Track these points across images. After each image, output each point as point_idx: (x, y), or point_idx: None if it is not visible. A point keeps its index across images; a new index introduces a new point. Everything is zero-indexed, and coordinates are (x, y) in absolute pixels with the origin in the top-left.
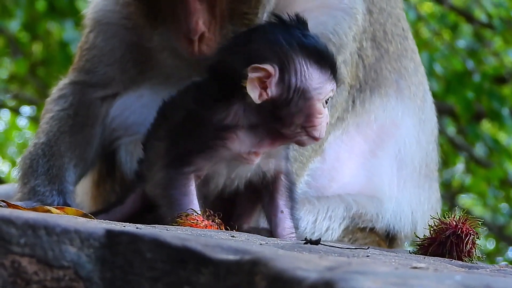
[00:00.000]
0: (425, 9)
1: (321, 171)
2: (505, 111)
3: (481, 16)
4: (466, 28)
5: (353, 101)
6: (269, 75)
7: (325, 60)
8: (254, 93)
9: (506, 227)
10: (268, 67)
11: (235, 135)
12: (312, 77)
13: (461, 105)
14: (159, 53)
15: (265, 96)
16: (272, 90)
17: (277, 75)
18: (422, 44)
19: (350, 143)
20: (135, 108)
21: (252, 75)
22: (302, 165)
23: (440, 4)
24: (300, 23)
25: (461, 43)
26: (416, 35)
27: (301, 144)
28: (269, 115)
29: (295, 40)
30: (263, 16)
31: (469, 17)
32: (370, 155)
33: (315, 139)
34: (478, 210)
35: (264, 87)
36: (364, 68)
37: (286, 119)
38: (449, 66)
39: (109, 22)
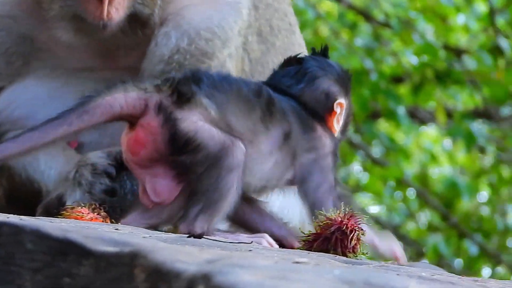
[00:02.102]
0: (324, 7)
1: None
2: (401, 110)
3: (379, 16)
4: (365, 28)
5: None
6: (342, 109)
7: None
8: (338, 127)
9: (401, 226)
10: (343, 101)
11: None
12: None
13: (358, 103)
14: (55, 26)
15: (337, 129)
16: (341, 123)
17: (345, 107)
18: (320, 43)
19: None
20: (21, 102)
21: (337, 109)
22: None
23: (338, 2)
24: (326, 51)
25: (359, 41)
26: (315, 34)
27: None
28: None
29: (340, 71)
30: None
31: (368, 17)
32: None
33: None
34: (374, 209)
35: (338, 120)
36: (250, 62)
37: None
38: (347, 65)
39: None
